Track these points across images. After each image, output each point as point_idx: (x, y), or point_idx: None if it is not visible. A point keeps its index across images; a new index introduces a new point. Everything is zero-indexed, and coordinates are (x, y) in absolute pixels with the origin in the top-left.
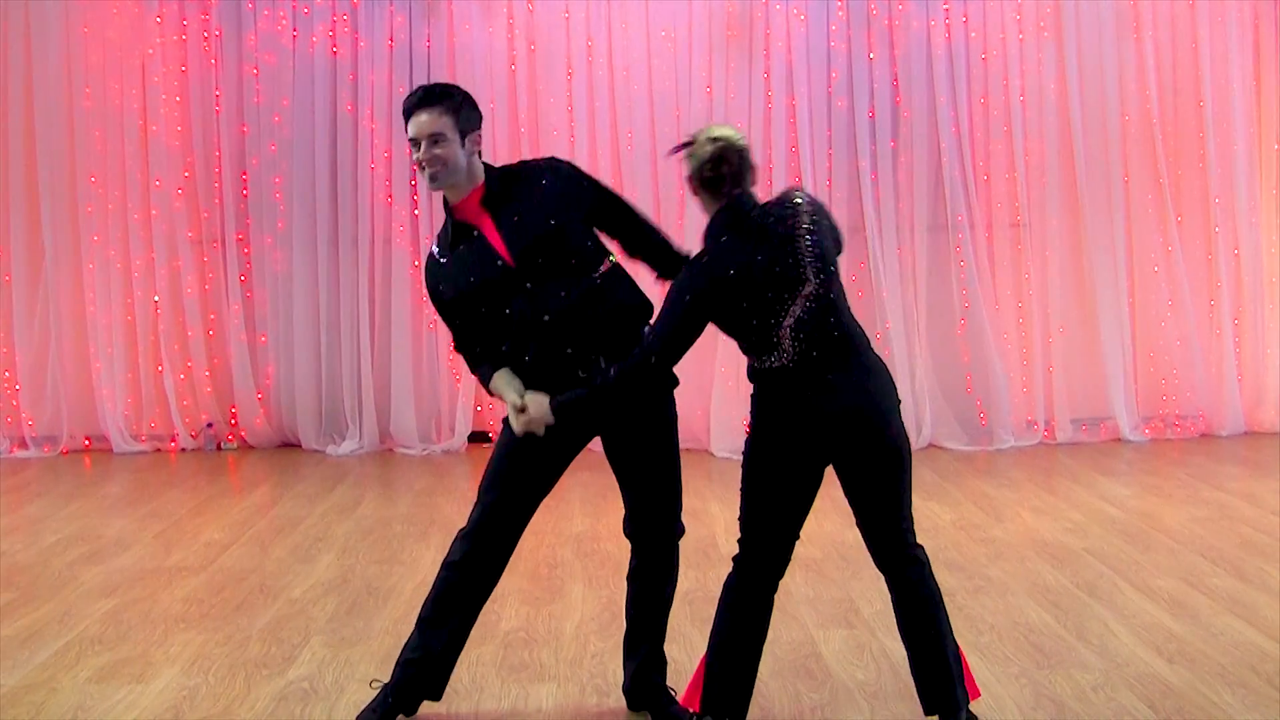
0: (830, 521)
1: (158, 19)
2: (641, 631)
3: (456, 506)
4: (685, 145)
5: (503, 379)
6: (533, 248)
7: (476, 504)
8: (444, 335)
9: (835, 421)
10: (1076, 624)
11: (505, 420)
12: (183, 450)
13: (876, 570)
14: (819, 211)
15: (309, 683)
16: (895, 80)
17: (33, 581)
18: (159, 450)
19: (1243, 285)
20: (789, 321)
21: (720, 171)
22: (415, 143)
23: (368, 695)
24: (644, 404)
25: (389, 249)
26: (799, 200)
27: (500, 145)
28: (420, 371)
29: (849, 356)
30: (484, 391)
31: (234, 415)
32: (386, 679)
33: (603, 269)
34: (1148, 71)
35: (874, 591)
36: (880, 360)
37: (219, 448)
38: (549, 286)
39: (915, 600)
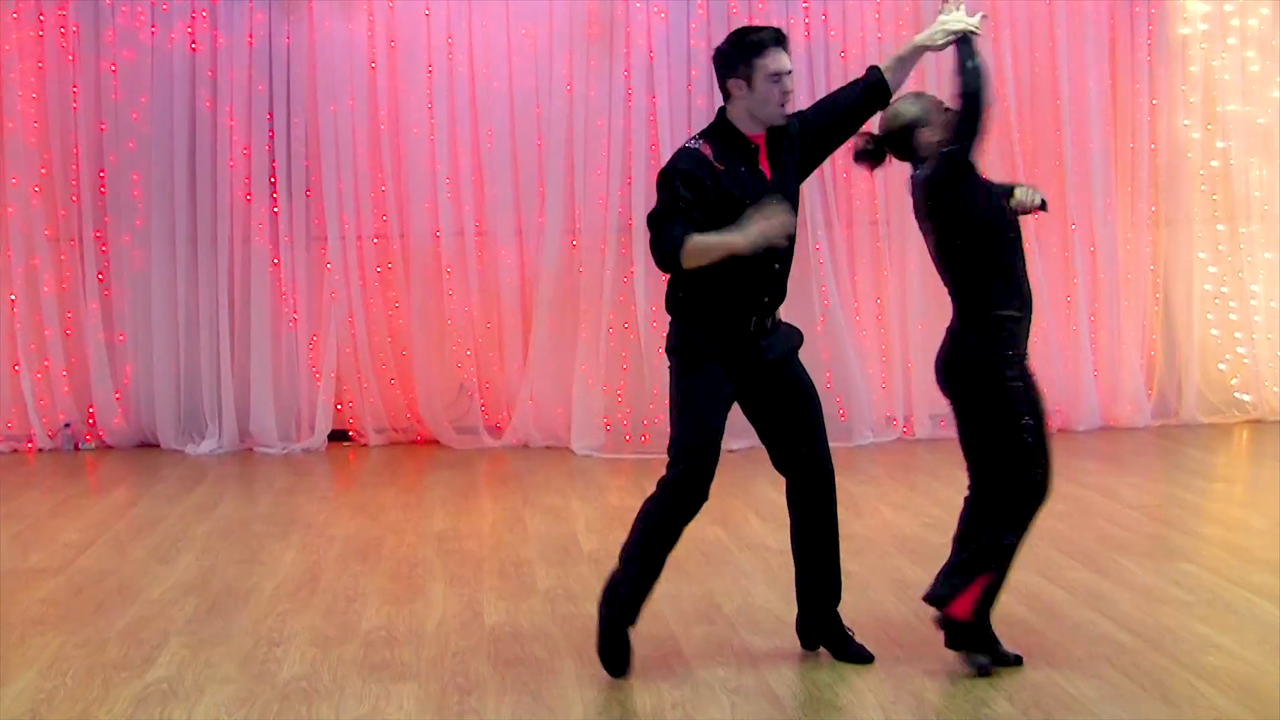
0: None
1: (14, 14)
2: (812, 563)
3: (317, 505)
4: None
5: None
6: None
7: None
8: (304, 333)
9: None
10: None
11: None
12: (40, 450)
13: (737, 567)
14: None
15: (168, 684)
16: None
17: None
18: (15, 450)
19: (1099, 282)
20: None
21: None
22: (778, 76)
23: (229, 696)
24: (775, 363)
25: (248, 247)
26: None
27: (360, 143)
28: (280, 370)
29: None
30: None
31: (92, 415)
32: (246, 679)
33: None
34: (1005, 69)
35: (734, 588)
36: None
37: (77, 448)
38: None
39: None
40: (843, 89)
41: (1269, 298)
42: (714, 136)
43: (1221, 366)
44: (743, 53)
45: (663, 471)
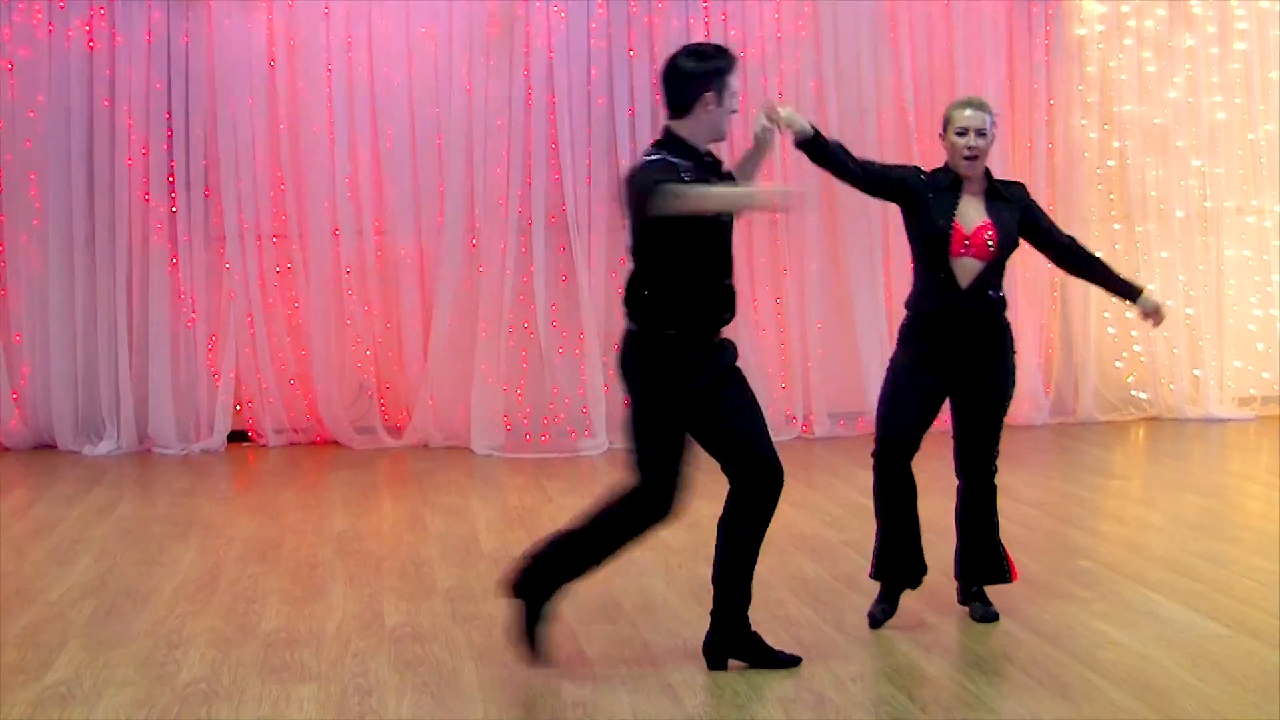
0: None
1: None
2: (726, 576)
3: (216, 506)
4: None
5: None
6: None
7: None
8: (202, 334)
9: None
10: (835, 616)
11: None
12: None
13: (638, 566)
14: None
15: (66, 687)
16: (655, 78)
17: None
18: None
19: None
20: None
21: None
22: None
23: (128, 699)
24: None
25: (146, 247)
26: None
27: (259, 142)
28: (179, 370)
29: None
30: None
31: None
32: (145, 681)
33: None
34: (903, 71)
35: (635, 587)
36: None
37: None
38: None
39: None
40: None
41: (1165, 296)
42: (674, 152)
43: (1118, 364)
44: (718, 69)
45: (564, 475)
